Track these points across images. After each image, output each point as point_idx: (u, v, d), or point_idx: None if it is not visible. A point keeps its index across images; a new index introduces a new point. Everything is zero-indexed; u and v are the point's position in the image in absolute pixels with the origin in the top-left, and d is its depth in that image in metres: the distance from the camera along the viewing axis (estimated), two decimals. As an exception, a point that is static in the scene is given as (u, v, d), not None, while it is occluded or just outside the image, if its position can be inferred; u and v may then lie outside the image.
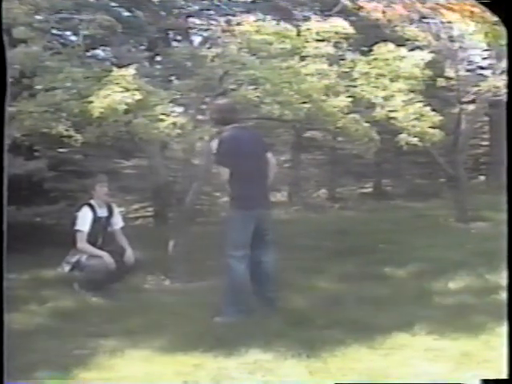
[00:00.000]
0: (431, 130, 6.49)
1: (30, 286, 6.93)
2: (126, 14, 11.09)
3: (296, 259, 7.76)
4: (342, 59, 6.82)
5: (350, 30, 6.64)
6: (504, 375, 3.74)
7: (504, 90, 8.25)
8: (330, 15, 7.55)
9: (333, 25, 6.65)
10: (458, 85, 11.00)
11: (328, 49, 6.54)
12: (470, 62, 14.26)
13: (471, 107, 11.58)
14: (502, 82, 9.12)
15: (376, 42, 6.83)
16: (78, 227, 6.69)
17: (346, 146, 14.63)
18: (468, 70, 12.80)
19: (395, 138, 6.53)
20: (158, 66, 10.41)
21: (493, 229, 9.35)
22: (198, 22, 12.23)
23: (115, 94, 5.69)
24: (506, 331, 3.75)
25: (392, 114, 6.45)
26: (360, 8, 7.67)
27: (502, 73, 9.40)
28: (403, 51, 6.75)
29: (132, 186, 11.53)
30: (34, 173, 8.68)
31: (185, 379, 4.31)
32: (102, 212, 6.86)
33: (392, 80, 6.60)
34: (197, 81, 6.94)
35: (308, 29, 6.68)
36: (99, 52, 10.36)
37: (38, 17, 6.74)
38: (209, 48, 7.13)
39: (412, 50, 7.14)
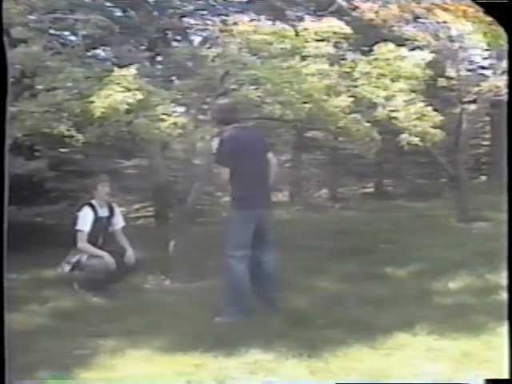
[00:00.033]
0: (432, 130, 6.48)
1: (30, 285, 6.93)
2: (120, 14, 11.07)
3: (297, 259, 7.76)
4: (343, 59, 6.81)
5: (348, 29, 6.64)
6: (504, 375, 3.73)
7: (505, 90, 8.24)
8: (324, 15, 7.54)
9: (329, 25, 6.65)
10: (458, 85, 10.99)
11: (328, 49, 6.54)
12: (471, 62, 14.25)
13: (472, 107, 11.57)
14: (502, 81, 9.13)
15: (376, 42, 6.82)
16: (78, 227, 6.69)
17: (348, 145, 14.64)
18: (469, 70, 12.80)
19: (396, 138, 6.52)
20: (159, 66, 10.42)
21: (494, 229, 9.35)
22: (193, 21, 12.20)
23: (116, 94, 5.69)
24: (507, 331, 3.74)
25: (393, 114, 6.45)
26: (355, 8, 7.67)
27: (503, 73, 9.40)
28: (404, 51, 6.74)
29: (133, 185, 11.53)
30: (34, 173, 8.68)
31: (185, 379, 4.32)
32: (103, 212, 6.86)
33: (393, 80, 6.59)
34: (198, 81, 6.95)
35: (305, 29, 6.67)
36: (100, 52, 10.37)
37: (33, 17, 6.73)
38: (209, 48, 7.12)
39: (412, 49, 7.14)
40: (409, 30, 8.84)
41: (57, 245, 7.44)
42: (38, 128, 6.38)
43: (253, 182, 5.76)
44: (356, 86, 6.59)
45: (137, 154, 11.23)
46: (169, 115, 5.97)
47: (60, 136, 6.36)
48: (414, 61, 6.64)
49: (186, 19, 12.25)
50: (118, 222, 7.00)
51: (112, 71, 6.06)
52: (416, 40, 8.90)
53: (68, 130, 6.28)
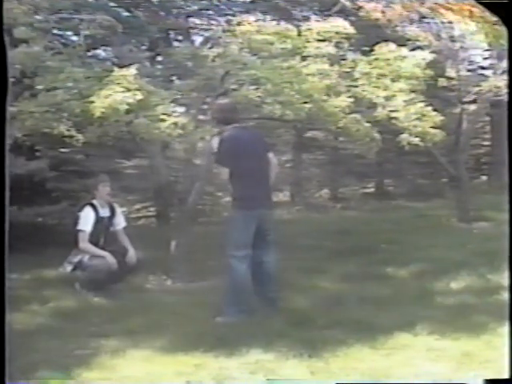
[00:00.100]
0: (432, 130, 6.48)
1: (31, 285, 6.93)
2: (126, 14, 11.08)
3: (298, 259, 7.76)
4: (343, 59, 6.81)
5: (351, 29, 6.64)
6: (505, 375, 3.74)
7: (505, 90, 8.24)
8: (330, 15, 7.54)
9: (333, 25, 6.65)
10: (459, 85, 10.99)
11: (329, 49, 6.54)
12: (471, 62, 14.26)
13: (472, 107, 11.57)
14: (503, 81, 9.12)
15: (377, 42, 6.83)
16: (80, 227, 6.70)
17: (348, 145, 14.64)
18: (469, 70, 12.81)
19: (397, 138, 6.53)
20: (159, 66, 10.42)
21: (495, 229, 9.34)
22: (198, 21, 12.23)
23: (116, 94, 5.69)
24: (508, 331, 3.75)
25: (393, 114, 6.45)
26: (359, 8, 7.67)
27: (503, 73, 9.40)
28: (404, 51, 6.74)
29: (134, 185, 11.54)
30: (35, 173, 8.69)
31: (186, 379, 4.32)
32: (104, 212, 6.86)
33: (393, 80, 6.59)
34: (198, 81, 6.95)
35: (309, 29, 6.68)
36: (100, 52, 10.37)
37: (37, 17, 6.74)
38: (210, 48, 7.12)
39: (413, 49, 7.14)
40: (411, 30, 8.83)
41: (58, 245, 7.45)
42: (39, 128, 6.38)
43: (253, 182, 5.76)
44: (356, 86, 6.60)
45: (137, 154, 11.23)
46: (169, 115, 5.97)
47: (60, 136, 6.37)
48: (415, 61, 6.64)
49: (191, 19, 12.27)
50: (120, 222, 7.01)
51: (112, 71, 6.06)
52: (417, 40, 8.89)
53: (68, 130, 6.28)
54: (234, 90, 6.71)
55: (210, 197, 12.48)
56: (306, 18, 8.03)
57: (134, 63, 6.24)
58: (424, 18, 8.91)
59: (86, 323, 5.64)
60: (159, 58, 10.87)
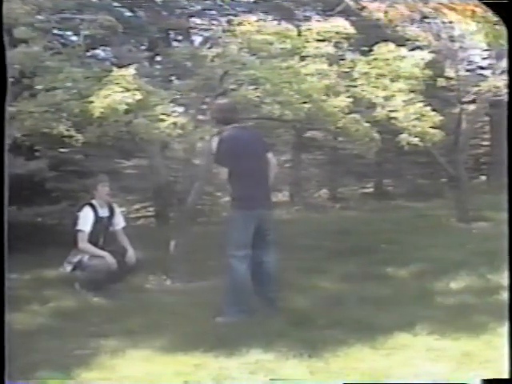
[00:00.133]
0: (432, 130, 6.49)
1: (31, 285, 6.93)
2: (128, 13, 11.10)
3: (297, 259, 7.76)
4: (342, 59, 6.81)
5: (351, 29, 6.64)
6: (505, 375, 3.74)
7: (504, 90, 8.25)
8: (332, 15, 7.54)
9: (334, 25, 6.65)
10: (458, 85, 11.00)
11: (328, 49, 6.54)
12: (470, 62, 14.26)
13: (472, 107, 11.58)
14: (502, 81, 9.13)
15: (376, 42, 6.83)
16: (79, 227, 6.69)
17: (347, 146, 14.63)
18: (468, 70, 12.81)
19: (396, 138, 6.53)
20: (158, 66, 10.42)
21: (494, 229, 9.35)
22: (199, 21, 12.23)
23: (115, 94, 5.69)
24: (508, 331, 3.75)
25: (392, 114, 6.45)
26: (363, 8, 7.66)
27: (502, 73, 9.40)
28: (403, 51, 6.74)
29: (133, 185, 11.53)
30: (35, 173, 8.68)
31: (186, 379, 4.32)
32: (104, 212, 6.86)
33: (392, 80, 6.59)
34: (197, 81, 6.95)
35: (309, 29, 6.68)
36: (99, 52, 10.37)
37: (39, 17, 6.74)
38: (209, 48, 7.12)
39: (412, 49, 7.14)
40: (411, 30, 8.83)
41: (57, 245, 7.45)
42: (38, 128, 6.38)
43: (252, 182, 5.76)
44: (355, 86, 6.60)
45: (136, 154, 11.22)
46: (168, 115, 5.97)
47: (60, 136, 6.37)
48: (414, 61, 6.64)
49: (192, 19, 12.27)
50: (119, 222, 7.01)
51: (111, 71, 6.06)
52: (417, 40, 8.90)
53: (67, 130, 6.28)
54: (233, 89, 6.71)
55: (209, 197, 12.48)
56: (308, 18, 8.03)
57: (133, 63, 6.24)
58: (426, 17, 8.90)
59: (85, 323, 5.64)
60: (158, 58, 10.87)
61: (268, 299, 5.80)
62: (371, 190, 17.25)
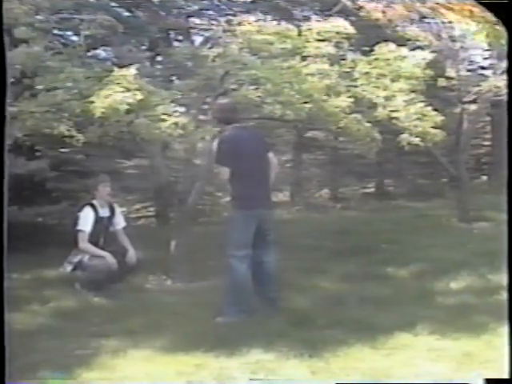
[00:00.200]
0: (433, 130, 6.48)
1: (31, 285, 6.93)
2: (127, 14, 11.09)
3: (298, 259, 7.76)
4: (343, 59, 6.81)
5: (351, 29, 6.64)
6: (505, 375, 3.73)
7: (505, 90, 8.24)
8: (330, 15, 7.54)
9: (334, 25, 6.65)
10: (459, 85, 10.99)
11: (329, 49, 6.54)
12: (471, 62, 14.25)
13: (473, 107, 11.56)
14: (503, 81, 9.12)
15: (377, 42, 6.83)
16: (79, 227, 6.70)
17: (348, 145, 14.63)
18: (469, 70, 12.80)
19: (397, 138, 6.52)
20: (159, 66, 10.40)
21: (495, 229, 9.34)
22: (198, 21, 12.22)
23: (116, 94, 5.69)
24: (507, 331, 3.75)
25: (393, 114, 6.45)
26: (360, 8, 7.66)
27: (503, 73, 9.39)
28: (404, 51, 6.74)
29: (134, 185, 11.53)
30: (35, 173, 8.68)
31: (186, 379, 4.32)
32: (104, 212, 6.86)
33: (393, 80, 6.59)
34: (198, 81, 6.95)
35: (309, 29, 6.68)
36: (100, 52, 10.36)
37: (38, 17, 6.74)
38: (210, 48, 7.12)
39: (413, 49, 7.14)
40: (412, 30, 8.83)
41: (58, 245, 7.45)
42: (39, 128, 6.38)
43: (253, 182, 5.76)
44: (356, 86, 6.59)
45: (137, 154, 11.22)
46: (169, 115, 5.97)
47: (60, 136, 6.37)
48: (414, 61, 6.64)
49: (191, 19, 12.27)
50: (119, 222, 7.01)
51: (112, 71, 6.06)
52: (418, 40, 8.90)
53: (68, 130, 6.28)
54: (234, 89, 6.71)
55: (210, 197, 12.47)
56: (307, 18, 8.03)
57: (134, 63, 6.24)
58: (424, 17, 8.91)
59: (86, 323, 5.64)
60: (159, 58, 10.86)
61: (268, 299, 5.80)
62: (372, 190, 17.25)
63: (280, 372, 4.41)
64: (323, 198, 16.87)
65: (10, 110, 5.27)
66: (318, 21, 6.85)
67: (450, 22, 8.20)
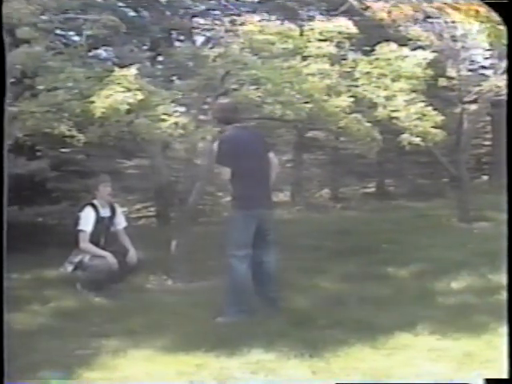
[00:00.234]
0: (433, 130, 6.48)
1: (32, 285, 6.94)
2: (132, 13, 11.12)
3: (298, 259, 7.76)
4: (344, 59, 6.81)
5: (354, 29, 6.64)
6: (506, 375, 3.73)
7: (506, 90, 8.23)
8: (336, 15, 7.54)
9: (336, 24, 6.65)
10: (459, 84, 10.97)
11: (330, 48, 6.54)
12: (472, 62, 14.23)
13: (473, 107, 11.55)
14: (503, 81, 9.11)
15: (378, 42, 6.83)
16: (80, 227, 6.70)
17: (349, 145, 14.61)
18: (470, 70, 12.80)
19: (397, 138, 6.53)
20: (160, 66, 10.42)
21: (495, 229, 9.33)
22: (202, 21, 12.23)
23: (117, 94, 5.69)
24: (507, 331, 3.75)
25: (394, 114, 6.45)
26: (367, 8, 7.65)
27: (504, 72, 9.39)
28: (405, 51, 6.74)
29: (134, 185, 11.53)
30: (36, 173, 8.69)
31: (187, 379, 4.32)
32: (105, 212, 6.86)
33: (394, 80, 6.59)
34: (199, 81, 6.95)
35: (311, 29, 6.68)
36: (101, 52, 10.37)
37: (42, 17, 6.74)
38: (211, 48, 7.13)
39: (414, 49, 7.14)
40: (414, 30, 8.83)
41: (58, 245, 7.46)
42: (39, 128, 6.39)
43: (253, 182, 5.76)
44: (357, 86, 6.60)
45: (138, 154, 11.22)
46: (170, 115, 5.97)
47: (61, 136, 6.37)
48: (415, 61, 6.64)
49: (195, 19, 12.28)
50: (120, 222, 7.01)
51: (113, 71, 6.06)
52: (419, 40, 8.90)
53: (69, 130, 6.28)
54: (235, 89, 6.70)
55: (210, 197, 12.48)
56: (312, 18, 8.02)
57: (135, 63, 6.24)
58: (429, 17, 8.90)
59: (86, 323, 5.64)
60: (160, 58, 10.87)
61: (269, 299, 5.80)
62: (372, 189, 17.24)
63: (280, 372, 4.41)
64: (323, 197, 16.86)
65: (10, 109, 5.28)
66: (321, 21, 6.85)
67: (453, 22, 8.20)
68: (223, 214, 11.38)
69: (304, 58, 6.56)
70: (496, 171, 15.91)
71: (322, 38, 6.58)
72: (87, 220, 6.71)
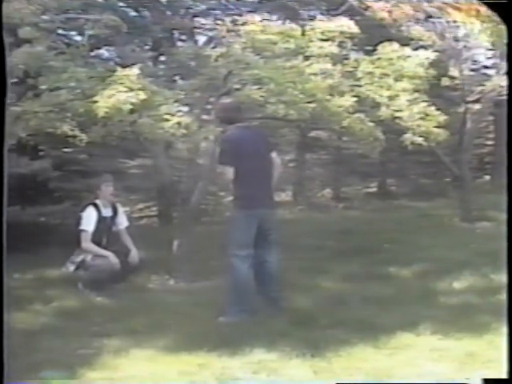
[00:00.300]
0: (436, 130, 6.49)
1: (34, 285, 6.94)
2: (133, 13, 11.12)
3: (300, 259, 7.76)
4: (346, 59, 6.81)
5: (355, 29, 6.64)
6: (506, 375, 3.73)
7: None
8: (337, 14, 7.54)
9: (338, 24, 6.65)
10: (462, 84, 10.97)
11: (332, 48, 6.54)
12: (475, 62, 14.20)
13: (476, 107, 11.53)
14: (506, 81, 9.11)
15: (380, 42, 6.83)
16: (82, 227, 6.70)
17: (351, 145, 14.56)
18: (472, 70, 12.76)
19: (400, 138, 6.53)
20: (162, 66, 10.42)
21: (497, 228, 9.31)
22: (203, 21, 12.23)
23: (120, 94, 5.69)
24: (507, 331, 3.75)
25: (397, 114, 6.45)
26: (367, 7, 7.65)
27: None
28: (407, 50, 6.74)
29: (137, 185, 11.55)
30: (38, 172, 8.70)
31: (189, 379, 4.32)
32: (107, 212, 6.87)
33: (396, 79, 6.59)
34: (201, 80, 6.95)
35: (313, 28, 6.68)
36: (103, 52, 10.39)
37: (44, 17, 6.74)
38: (213, 48, 7.13)
39: (416, 49, 7.14)
40: (416, 30, 8.82)
41: (60, 244, 7.46)
42: (42, 128, 6.39)
43: (256, 182, 5.76)
44: (359, 86, 6.60)
45: (140, 153, 11.22)
46: (172, 115, 5.97)
47: (64, 136, 6.38)
48: (418, 60, 6.64)
49: (197, 19, 12.28)
50: (122, 221, 7.02)
51: (115, 71, 6.06)
52: (421, 39, 8.89)
53: (72, 130, 6.29)
54: (237, 89, 6.71)
55: (212, 197, 12.48)
56: (313, 18, 8.02)
57: (137, 63, 6.24)
58: (430, 17, 8.89)
59: (88, 323, 5.64)
60: (162, 58, 10.87)
61: (270, 299, 5.80)
62: (375, 189, 17.22)
63: (282, 372, 4.41)
64: (326, 197, 16.85)
65: (13, 109, 5.29)
66: (322, 20, 6.85)
67: (455, 22, 8.19)
68: (225, 213, 11.36)
69: (306, 58, 6.56)
70: (498, 171, 15.86)
71: (323, 37, 6.59)
72: (89, 220, 6.71)
